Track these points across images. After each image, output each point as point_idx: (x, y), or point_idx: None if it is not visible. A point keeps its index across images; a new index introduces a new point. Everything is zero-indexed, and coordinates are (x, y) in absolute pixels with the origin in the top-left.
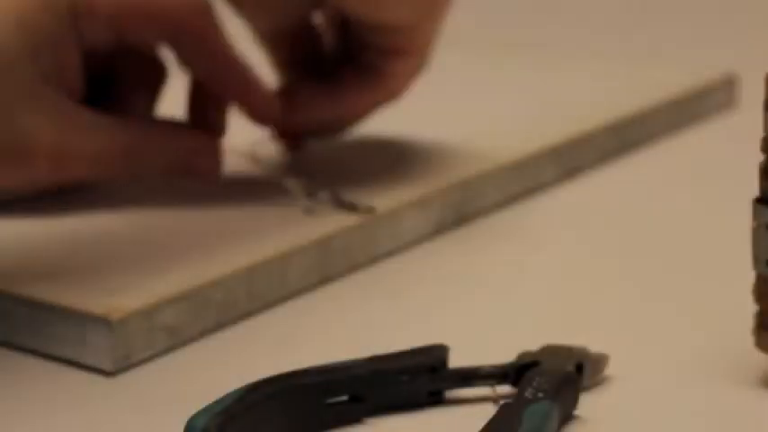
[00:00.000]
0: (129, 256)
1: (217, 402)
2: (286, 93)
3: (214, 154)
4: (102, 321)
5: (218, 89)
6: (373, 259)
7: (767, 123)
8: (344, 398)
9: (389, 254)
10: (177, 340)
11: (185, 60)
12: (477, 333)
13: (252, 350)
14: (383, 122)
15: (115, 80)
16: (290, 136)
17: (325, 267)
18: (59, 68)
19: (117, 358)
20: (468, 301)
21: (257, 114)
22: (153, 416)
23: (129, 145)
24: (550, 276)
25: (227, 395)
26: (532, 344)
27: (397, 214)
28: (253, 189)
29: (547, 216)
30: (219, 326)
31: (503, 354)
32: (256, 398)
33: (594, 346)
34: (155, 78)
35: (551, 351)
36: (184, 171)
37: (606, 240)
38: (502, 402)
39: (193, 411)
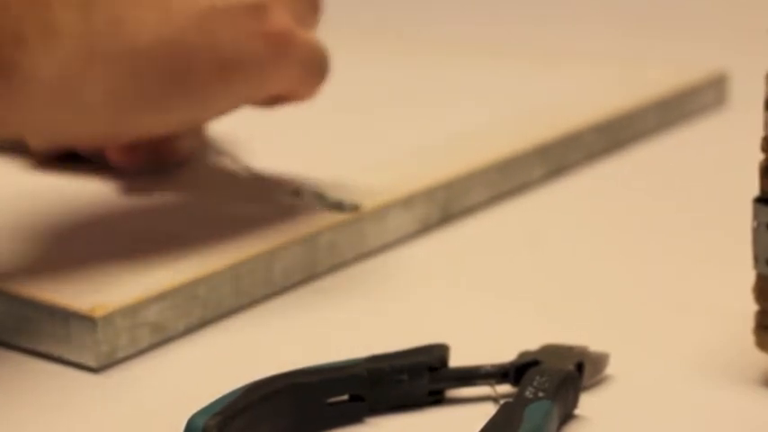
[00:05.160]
0: (114, 252)
1: (217, 402)
2: None
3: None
4: (87, 318)
5: None
6: (359, 256)
7: (767, 123)
8: (344, 398)
9: (376, 251)
10: (162, 337)
11: None
12: (477, 333)
13: (237, 347)
14: (371, 121)
15: None
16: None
17: (311, 264)
18: None
19: (101, 355)
20: (464, 299)
21: None
22: (137, 412)
23: None
24: (547, 275)
25: (227, 395)
26: (532, 344)
27: (382, 212)
28: (239, 187)
29: (534, 214)
30: (205, 322)
31: (503, 353)
32: (256, 397)
33: (594, 345)
34: None
35: (551, 350)
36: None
37: (599, 239)
38: (502, 402)
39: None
